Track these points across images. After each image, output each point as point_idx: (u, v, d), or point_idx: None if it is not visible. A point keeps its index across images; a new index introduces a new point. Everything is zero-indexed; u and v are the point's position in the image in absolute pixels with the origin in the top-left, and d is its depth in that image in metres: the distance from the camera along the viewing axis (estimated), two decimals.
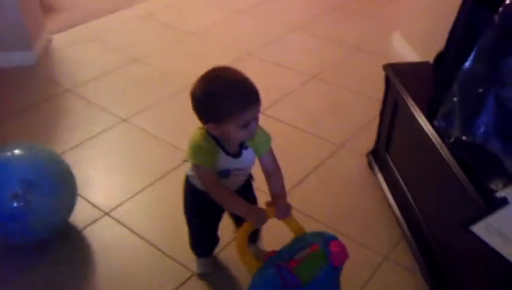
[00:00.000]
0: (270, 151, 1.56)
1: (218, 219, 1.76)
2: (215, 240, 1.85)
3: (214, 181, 1.48)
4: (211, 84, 1.40)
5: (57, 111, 2.82)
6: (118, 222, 2.10)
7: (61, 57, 3.38)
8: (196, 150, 1.47)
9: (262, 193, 1.72)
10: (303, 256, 1.38)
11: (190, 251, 1.88)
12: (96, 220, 2.10)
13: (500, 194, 1.41)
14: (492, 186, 1.45)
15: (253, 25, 3.81)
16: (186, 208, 1.74)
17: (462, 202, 1.57)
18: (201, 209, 1.68)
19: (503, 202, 1.38)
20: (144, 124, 2.68)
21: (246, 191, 1.67)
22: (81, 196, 2.14)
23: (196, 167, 1.50)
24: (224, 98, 1.36)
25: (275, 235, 1.64)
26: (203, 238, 1.83)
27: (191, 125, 2.61)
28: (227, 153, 1.48)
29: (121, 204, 2.18)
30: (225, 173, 1.51)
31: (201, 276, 1.86)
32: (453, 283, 1.68)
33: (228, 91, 1.37)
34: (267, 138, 1.55)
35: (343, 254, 1.41)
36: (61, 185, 1.94)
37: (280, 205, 1.51)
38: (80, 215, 2.08)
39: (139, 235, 2.03)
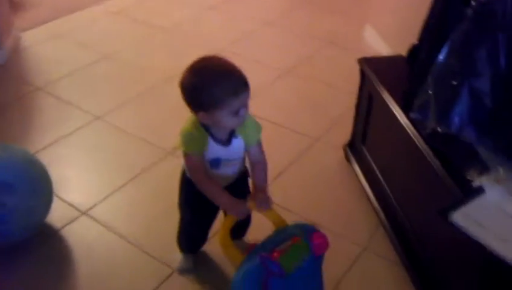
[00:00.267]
0: (259, 143, 1.58)
1: (213, 217, 1.76)
2: (204, 238, 1.84)
3: (201, 170, 1.50)
4: (200, 73, 1.41)
5: (29, 110, 2.77)
6: (96, 220, 2.08)
7: (31, 54, 3.31)
8: (187, 138, 1.48)
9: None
10: (285, 247, 1.39)
11: (170, 248, 1.87)
12: (74, 219, 2.07)
13: (476, 183, 1.45)
14: (468, 175, 1.49)
15: (225, 20, 3.80)
16: (182, 202, 1.74)
17: (438, 192, 1.61)
18: (196, 204, 1.67)
19: (480, 190, 1.42)
20: (119, 121, 2.65)
21: (240, 186, 1.67)
22: (58, 196, 2.11)
23: (186, 155, 1.50)
24: (214, 86, 1.37)
25: (257, 228, 1.65)
26: (193, 235, 1.83)
27: (167, 121, 2.63)
28: (217, 141, 1.49)
29: (98, 203, 2.16)
30: (216, 162, 1.52)
31: (182, 272, 1.86)
32: (431, 270, 1.72)
33: (217, 79, 1.38)
34: (258, 128, 1.56)
35: (324, 244, 1.43)
36: (37, 185, 1.90)
37: (261, 198, 1.53)
38: (56, 215, 2.04)
39: (117, 234, 2.02)
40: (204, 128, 1.47)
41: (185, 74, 1.43)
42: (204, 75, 1.40)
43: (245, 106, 1.43)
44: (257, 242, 1.50)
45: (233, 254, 1.47)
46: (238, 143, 1.53)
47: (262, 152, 1.60)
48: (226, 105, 1.38)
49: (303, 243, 1.41)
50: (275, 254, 1.36)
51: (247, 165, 1.65)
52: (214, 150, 1.49)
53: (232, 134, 1.51)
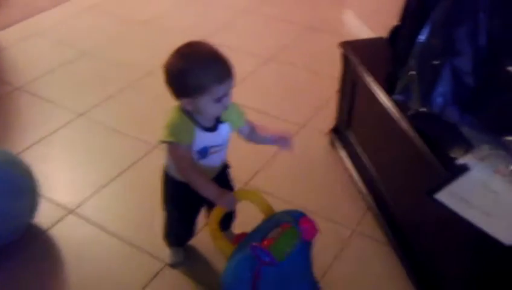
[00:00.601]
0: (247, 122, 1.62)
1: (197, 211, 1.76)
2: (191, 232, 1.84)
3: (189, 160, 1.49)
4: (186, 59, 1.40)
5: (9, 110, 2.73)
6: (84, 218, 2.06)
7: (8, 54, 3.25)
8: (173, 128, 1.47)
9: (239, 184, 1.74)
10: (275, 235, 1.40)
11: (160, 242, 1.87)
12: (61, 219, 2.06)
13: (460, 161, 1.47)
14: (453, 154, 1.50)
15: (203, 11, 3.76)
16: (166, 201, 1.73)
17: (424, 172, 1.63)
18: (181, 202, 1.67)
19: (464, 168, 1.44)
20: (101, 118, 2.63)
21: (222, 178, 1.67)
22: (44, 196, 2.08)
23: (172, 146, 1.49)
24: (199, 71, 1.37)
25: (246, 217, 1.65)
26: (180, 230, 1.82)
27: (150, 115, 2.61)
28: (204, 128, 1.48)
29: (85, 201, 2.14)
30: (203, 151, 1.51)
31: (174, 266, 1.86)
32: (419, 249, 1.74)
33: (204, 64, 1.38)
34: (241, 113, 1.59)
35: (313, 229, 1.45)
36: (22, 186, 1.88)
37: (283, 139, 1.65)
38: (43, 215, 2.03)
39: (106, 231, 2.01)
40: (190, 118, 1.47)
41: (170, 57, 1.42)
42: (191, 60, 1.39)
43: (228, 94, 1.43)
44: (245, 232, 1.50)
45: (224, 245, 1.48)
46: (225, 128, 1.54)
47: (252, 122, 1.64)
48: (210, 91, 1.38)
49: (292, 229, 1.42)
50: (266, 243, 1.36)
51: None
52: (202, 138, 1.49)
53: (218, 120, 1.51)
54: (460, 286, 1.52)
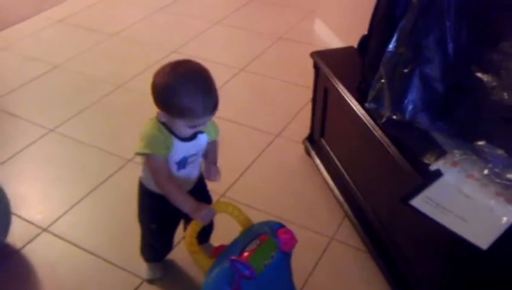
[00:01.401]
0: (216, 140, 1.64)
1: (176, 224, 1.74)
2: (169, 246, 1.82)
3: (165, 173, 1.48)
4: (179, 79, 1.39)
5: None
6: (58, 236, 2.02)
7: None
8: (150, 140, 1.46)
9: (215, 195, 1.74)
10: (254, 247, 1.39)
11: (137, 257, 1.84)
12: (35, 237, 2.01)
13: (433, 167, 1.49)
14: (426, 160, 1.53)
15: (174, 22, 3.76)
16: (142, 215, 1.71)
17: (398, 179, 1.65)
18: (159, 215, 1.65)
19: (438, 174, 1.46)
20: (73, 133, 2.59)
21: (200, 190, 1.66)
22: (16, 214, 2.04)
23: (149, 158, 1.48)
24: (186, 99, 1.37)
25: (223, 229, 1.65)
26: (158, 244, 1.80)
27: (122, 129, 2.59)
28: (182, 139, 1.48)
29: (58, 218, 2.10)
30: (183, 162, 1.51)
31: (152, 281, 1.83)
32: (397, 255, 1.76)
33: (193, 94, 1.37)
34: (217, 131, 1.62)
35: (292, 240, 1.45)
36: None
37: (213, 170, 1.60)
38: (16, 234, 1.98)
39: (81, 248, 1.97)
40: (167, 129, 1.46)
41: (162, 70, 1.41)
42: (183, 83, 1.39)
43: (205, 123, 1.45)
44: (223, 244, 1.50)
45: (202, 259, 1.46)
46: (203, 138, 1.54)
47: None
48: (189, 119, 1.40)
49: (270, 240, 1.42)
50: (245, 256, 1.36)
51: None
52: (181, 148, 1.48)
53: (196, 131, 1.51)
54: None
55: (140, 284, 1.83)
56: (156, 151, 1.45)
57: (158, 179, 1.49)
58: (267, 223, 1.52)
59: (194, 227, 1.48)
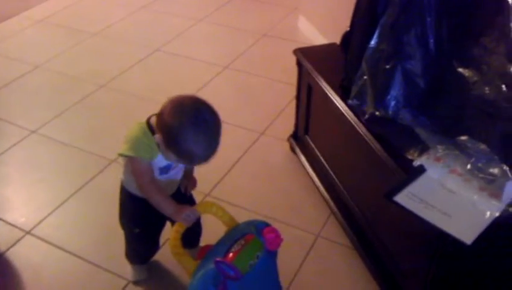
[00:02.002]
0: None
1: (161, 227, 1.73)
2: (155, 249, 1.81)
3: (148, 176, 1.46)
4: (185, 126, 1.34)
5: None
6: (42, 239, 2.00)
7: None
8: (134, 143, 1.44)
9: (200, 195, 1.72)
10: (239, 247, 1.39)
11: (122, 259, 1.83)
12: (18, 240, 1.99)
13: (416, 162, 1.50)
14: (409, 156, 1.53)
15: (156, 19, 3.73)
16: (125, 218, 1.69)
17: (382, 175, 1.65)
18: (142, 218, 1.64)
19: (421, 169, 1.47)
20: (55, 134, 2.56)
21: (183, 194, 1.65)
22: None
23: (133, 161, 1.46)
24: (188, 146, 1.35)
25: (208, 229, 1.64)
26: (142, 248, 1.79)
27: (105, 130, 2.56)
28: None
29: (42, 220, 2.08)
30: (167, 168, 1.50)
31: (137, 283, 1.82)
32: (382, 251, 1.77)
33: (196, 144, 1.35)
34: None
35: (277, 239, 1.44)
36: None
37: (190, 180, 1.64)
38: None
39: (65, 250, 1.95)
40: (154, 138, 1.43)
41: (177, 105, 1.37)
42: (192, 131, 1.34)
43: None
44: (209, 244, 1.49)
45: (186, 261, 1.45)
46: None
47: None
48: (185, 159, 1.44)
49: (256, 240, 1.41)
50: (230, 257, 1.35)
51: None
52: (164, 159, 1.47)
53: None
54: (422, 286, 1.54)
55: (126, 285, 1.81)
56: (139, 154, 1.44)
57: (140, 182, 1.48)
58: (252, 223, 1.51)
59: (178, 229, 1.47)
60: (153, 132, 1.43)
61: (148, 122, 1.45)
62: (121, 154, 1.47)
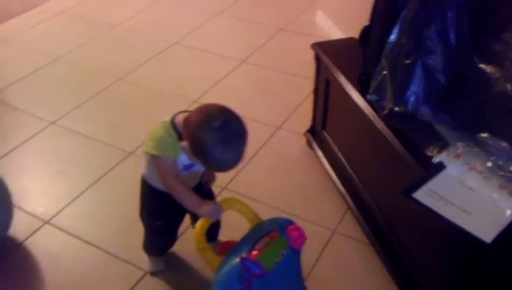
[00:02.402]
0: None
1: (180, 220, 1.74)
2: (173, 241, 1.82)
3: (173, 172, 1.47)
4: (216, 141, 1.34)
5: None
6: (60, 229, 2.03)
7: None
8: (159, 142, 1.44)
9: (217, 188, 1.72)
10: (263, 245, 1.38)
11: (139, 250, 1.85)
12: (37, 230, 2.02)
13: (436, 159, 1.48)
14: (428, 152, 1.52)
15: (175, 13, 3.74)
16: (146, 212, 1.70)
17: (401, 171, 1.64)
18: (164, 212, 1.65)
19: (440, 166, 1.45)
20: (74, 125, 2.58)
21: (202, 185, 1.66)
22: (18, 207, 2.04)
23: (157, 159, 1.46)
24: (216, 159, 1.36)
25: (231, 226, 1.63)
26: (162, 240, 1.80)
27: (123, 122, 2.58)
28: None
29: (60, 210, 2.10)
30: (189, 166, 1.51)
31: (154, 274, 1.83)
32: (399, 247, 1.76)
33: (224, 157, 1.36)
34: None
35: (302, 237, 1.43)
36: None
37: (210, 174, 1.67)
38: (18, 227, 1.99)
39: (83, 240, 1.97)
40: (179, 137, 1.43)
41: (203, 113, 1.37)
42: (222, 145, 1.34)
43: None
44: (231, 240, 1.48)
45: (211, 257, 1.44)
46: None
47: None
48: (212, 168, 1.52)
49: (280, 237, 1.40)
50: (254, 254, 1.34)
51: None
52: (185, 158, 1.47)
53: None
54: (439, 283, 1.53)
55: (143, 276, 1.83)
56: (164, 154, 1.44)
57: (165, 179, 1.48)
58: (276, 220, 1.50)
59: (203, 224, 1.46)
60: (177, 132, 1.42)
61: (172, 121, 1.44)
62: (146, 152, 1.48)
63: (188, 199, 1.48)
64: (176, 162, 1.46)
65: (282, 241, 1.39)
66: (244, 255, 1.35)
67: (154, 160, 1.48)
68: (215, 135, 1.33)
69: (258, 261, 1.33)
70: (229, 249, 1.44)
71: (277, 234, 1.40)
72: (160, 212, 1.67)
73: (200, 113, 1.37)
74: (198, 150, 1.36)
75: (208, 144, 1.33)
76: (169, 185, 1.48)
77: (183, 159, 1.46)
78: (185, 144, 1.38)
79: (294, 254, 1.45)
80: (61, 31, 3.52)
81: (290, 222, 1.47)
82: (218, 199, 1.79)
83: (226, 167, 1.39)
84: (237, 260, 1.36)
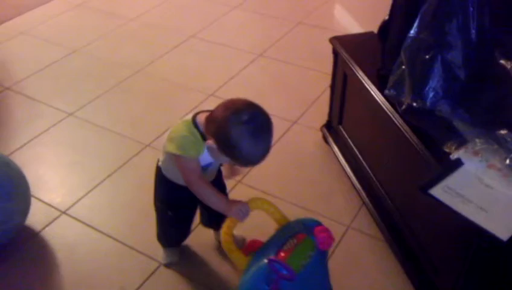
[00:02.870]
0: None
1: (193, 212, 1.74)
2: (186, 232, 1.83)
3: (197, 174, 1.46)
4: (243, 135, 1.33)
5: None
6: (76, 219, 2.05)
7: None
8: (181, 142, 1.43)
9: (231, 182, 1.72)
10: (291, 246, 1.37)
11: (154, 242, 1.86)
12: (54, 220, 2.04)
13: (454, 156, 1.47)
14: (446, 149, 1.50)
15: (192, 6, 3.73)
16: (159, 201, 1.71)
17: (417, 167, 1.63)
18: (175, 204, 1.65)
19: (458, 163, 1.44)
20: (92, 117, 2.60)
21: (216, 178, 1.66)
22: (35, 197, 2.07)
23: (180, 158, 1.45)
24: (243, 153, 1.35)
25: (257, 225, 1.62)
26: (174, 231, 1.81)
27: (141, 114, 2.60)
28: None
29: (77, 201, 2.13)
30: (207, 166, 1.51)
31: (169, 265, 1.85)
32: (414, 244, 1.75)
33: (252, 152, 1.36)
34: None
35: (329, 239, 1.41)
36: (13, 188, 1.85)
37: (234, 168, 1.64)
38: (36, 217, 2.01)
39: (99, 231, 1.99)
40: (201, 134, 1.42)
41: (228, 108, 1.36)
42: (249, 137, 1.33)
43: None
44: (256, 240, 1.47)
45: (238, 257, 1.43)
46: None
47: None
48: (240, 164, 1.45)
49: (308, 239, 1.39)
50: (282, 255, 1.33)
51: None
52: (208, 156, 1.47)
53: None
54: (454, 281, 1.52)
55: (157, 268, 1.84)
56: (188, 153, 1.43)
57: (190, 180, 1.47)
58: (303, 221, 1.49)
59: (230, 224, 1.45)
60: (200, 132, 1.42)
61: (194, 120, 1.44)
62: (169, 152, 1.47)
63: (215, 199, 1.48)
64: (199, 162, 1.46)
65: (310, 243, 1.38)
66: (272, 256, 1.34)
67: (177, 160, 1.47)
68: (244, 128, 1.32)
69: (286, 263, 1.31)
70: (255, 248, 1.43)
71: (304, 235, 1.39)
72: (172, 204, 1.67)
73: (226, 108, 1.36)
74: (226, 145, 1.35)
75: (237, 138, 1.33)
76: (194, 186, 1.47)
77: (204, 158, 1.46)
78: (210, 142, 1.37)
79: (322, 255, 1.44)
80: (79, 23, 3.54)
81: (318, 223, 1.45)
82: (234, 193, 1.80)
83: (255, 160, 1.39)
84: (265, 261, 1.34)
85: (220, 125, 1.35)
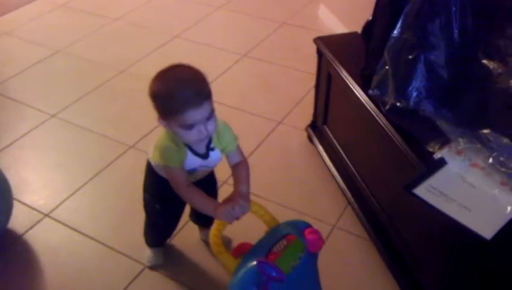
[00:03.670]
0: (238, 149, 1.55)
1: (181, 206, 1.72)
2: (173, 227, 1.82)
3: (183, 180, 1.45)
4: (161, 83, 1.37)
5: None
6: (60, 222, 2.02)
7: None
8: (163, 151, 1.44)
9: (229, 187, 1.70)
10: (281, 248, 1.36)
11: (139, 243, 1.84)
12: (37, 223, 2.01)
13: (437, 155, 1.48)
14: (430, 148, 1.51)
15: (176, 6, 3.72)
16: (148, 194, 1.69)
17: (402, 167, 1.63)
18: (163, 197, 1.64)
19: (442, 162, 1.45)
20: (75, 118, 2.58)
21: (208, 179, 1.66)
22: (18, 200, 2.05)
23: (165, 167, 1.46)
24: (168, 97, 1.34)
25: (247, 227, 1.61)
26: (163, 226, 1.80)
27: (124, 115, 2.58)
28: (195, 153, 1.45)
29: (60, 203, 2.10)
30: (193, 171, 1.50)
31: (154, 267, 1.83)
32: (399, 243, 1.76)
33: (172, 90, 1.34)
34: (234, 139, 1.53)
35: (319, 240, 1.41)
36: None
37: (241, 203, 1.43)
38: (18, 220, 1.99)
39: (83, 234, 1.97)
40: (182, 141, 1.42)
41: (152, 80, 1.39)
42: (163, 85, 1.36)
43: (203, 122, 1.34)
44: (246, 242, 1.46)
45: (227, 259, 1.42)
46: (215, 154, 1.50)
47: (242, 155, 1.57)
48: (177, 118, 1.33)
49: (298, 241, 1.39)
50: (272, 257, 1.33)
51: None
52: (192, 162, 1.46)
53: (208, 147, 1.47)
54: (439, 279, 1.53)
55: (142, 270, 1.83)
56: (170, 163, 1.44)
57: (176, 187, 1.47)
58: (293, 223, 1.48)
59: (218, 227, 1.44)
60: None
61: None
62: (153, 162, 1.49)
63: (201, 203, 1.47)
64: (183, 168, 1.45)
65: (300, 245, 1.38)
66: (261, 258, 1.34)
67: (163, 167, 1.48)
68: (161, 74, 1.38)
69: (275, 265, 1.30)
70: (244, 251, 1.42)
71: (294, 237, 1.38)
72: (160, 196, 1.66)
73: (153, 79, 1.40)
74: (155, 103, 1.36)
75: (156, 87, 1.36)
76: (181, 194, 1.47)
77: (188, 164, 1.45)
78: (161, 121, 1.39)
79: (312, 257, 1.43)
80: (62, 23, 3.50)
81: (308, 225, 1.45)
82: (219, 194, 1.79)
83: (187, 102, 1.31)
84: (254, 263, 1.33)
85: (150, 93, 1.38)
